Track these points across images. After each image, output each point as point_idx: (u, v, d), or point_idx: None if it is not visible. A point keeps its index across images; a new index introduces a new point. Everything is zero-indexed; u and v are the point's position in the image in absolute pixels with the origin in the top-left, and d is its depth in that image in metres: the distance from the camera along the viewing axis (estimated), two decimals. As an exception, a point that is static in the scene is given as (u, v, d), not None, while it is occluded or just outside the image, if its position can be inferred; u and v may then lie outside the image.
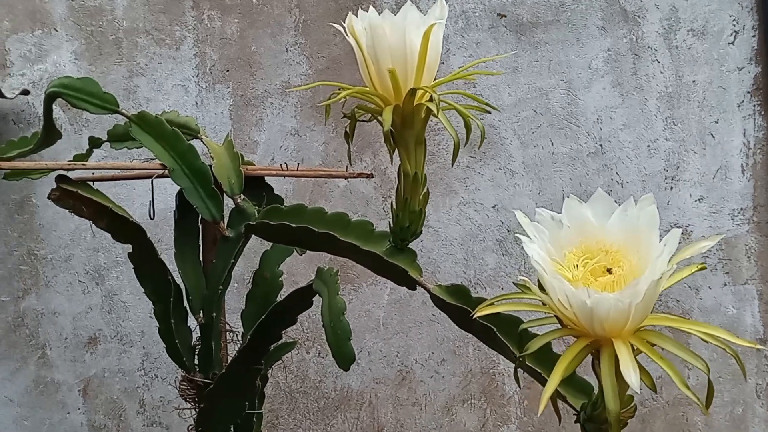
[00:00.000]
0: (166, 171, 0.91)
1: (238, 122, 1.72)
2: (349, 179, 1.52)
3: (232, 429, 0.93)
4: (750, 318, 1.71)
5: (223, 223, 0.93)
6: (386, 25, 0.70)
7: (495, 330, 0.70)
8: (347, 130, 0.77)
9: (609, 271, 0.56)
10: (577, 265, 0.56)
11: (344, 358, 0.72)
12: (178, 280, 0.97)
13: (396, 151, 0.76)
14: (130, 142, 1.08)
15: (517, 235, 0.56)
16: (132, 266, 0.97)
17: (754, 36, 1.70)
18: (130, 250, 0.95)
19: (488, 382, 1.69)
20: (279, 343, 0.96)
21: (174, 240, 0.99)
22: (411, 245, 0.82)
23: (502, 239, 1.71)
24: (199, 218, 0.98)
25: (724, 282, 1.70)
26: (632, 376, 0.51)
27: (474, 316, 0.60)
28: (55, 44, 1.71)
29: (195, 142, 1.03)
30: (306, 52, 1.72)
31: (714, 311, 1.69)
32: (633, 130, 1.71)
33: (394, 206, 0.78)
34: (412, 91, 0.72)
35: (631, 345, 0.56)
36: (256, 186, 1.05)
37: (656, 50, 1.71)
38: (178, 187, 0.96)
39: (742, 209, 1.70)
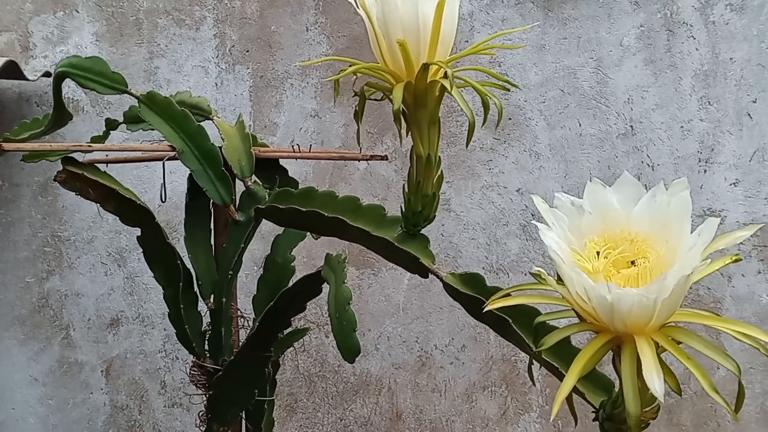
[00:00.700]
0: (176, 153, 0.89)
1: (258, 104, 1.69)
2: (370, 162, 1.49)
3: (242, 415, 0.92)
4: (786, 307, 1.64)
5: (234, 206, 0.91)
6: (398, -4, 0.66)
7: (510, 321, 0.67)
8: (356, 109, 0.73)
9: (633, 263, 0.51)
10: (598, 255, 0.52)
11: (349, 351, 0.69)
12: (189, 265, 0.95)
13: (409, 131, 0.72)
14: (145, 124, 1.06)
15: (534, 222, 0.52)
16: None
17: (797, 10, 1.61)
18: (139, 234, 0.94)
19: (509, 370, 1.65)
20: (290, 329, 0.94)
21: (184, 223, 0.97)
22: (426, 230, 0.78)
23: (526, 224, 1.66)
24: (211, 201, 0.96)
25: (758, 269, 1.63)
26: (655, 382, 0.47)
27: (486, 309, 0.56)
28: (77, 26, 1.71)
29: (208, 124, 1.00)
30: (326, 32, 1.69)
31: (747, 300, 1.63)
32: (666, 110, 1.64)
33: (406, 190, 0.75)
34: (425, 67, 0.68)
35: (656, 343, 0.51)
36: (270, 168, 1.02)
37: (692, 26, 1.63)
38: (190, 170, 0.94)
39: (780, 193, 1.63)
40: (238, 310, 0.99)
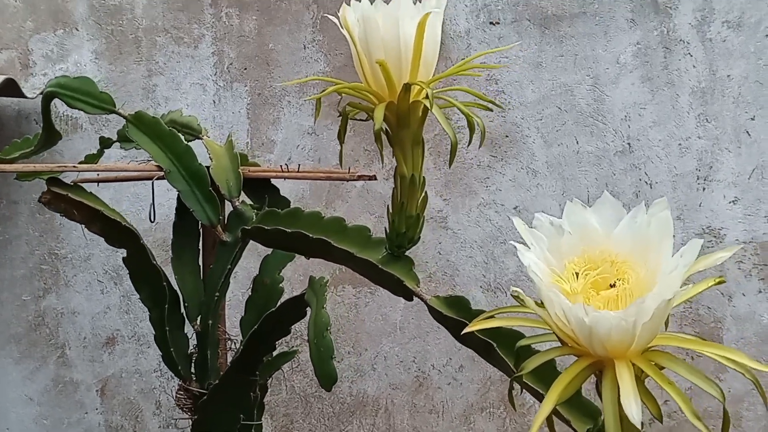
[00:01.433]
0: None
1: (256, 121, 1.70)
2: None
3: (230, 439, 0.90)
4: (788, 327, 1.61)
5: (221, 226, 0.90)
6: (379, 15, 0.66)
7: (495, 345, 0.65)
8: (339, 129, 0.72)
9: (612, 285, 0.50)
10: (577, 276, 0.51)
11: (326, 378, 0.68)
12: (176, 286, 0.94)
13: (389, 151, 0.72)
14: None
15: (512, 243, 0.51)
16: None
17: (794, 27, 1.61)
18: (125, 255, 0.94)
19: (508, 390, 1.63)
20: (278, 352, 0.93)
21: (172, 244, 0.96)
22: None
23: (524, 242, 1.65)
24: (199, 221, 0.96)
25: (759, 288, 1.61)
26: (633, 409, 0.46)
27: (465, 333, 0.55)
28: (77, 44, 1.72)
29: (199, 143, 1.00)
30: (324, 49, 1.69)
31: (748, 319, 1.60)
32: (663, 127, 1.63)
33: (390, 211, 0.74)
34: (407, 87, 0.68)
35: (638, 367, 0.50)
36: (260, 187, 1.02)
37: (689, 43, 1.63)
38: (181, 189, 0.94)
39: (780, 211, 1.61)
40: (226, 332, 0.98)
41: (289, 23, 1.69)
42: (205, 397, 0.88)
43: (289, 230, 0.76)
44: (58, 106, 1.72)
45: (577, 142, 1.64)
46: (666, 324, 0.53)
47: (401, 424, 1.66)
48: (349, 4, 0.69)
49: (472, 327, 0.55)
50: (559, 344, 0.54)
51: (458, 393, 1.65)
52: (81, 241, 1.69)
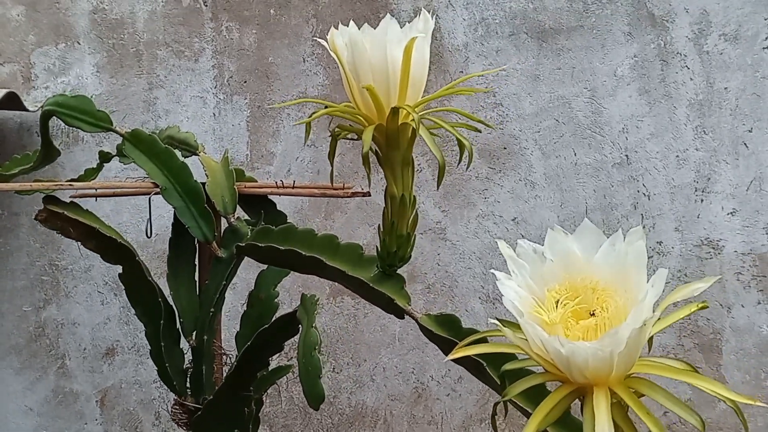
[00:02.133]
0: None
1: (255, 133, 1.71)
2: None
3: (225, 454, 0.91)
4: (787, 339, 1.61)
5: (217, 243, 0.91)
6: (366, 40, 0.67)
7: (484, 365, 0.66)
8: (330, 150, 0.73)
9: (592, 314, 0.50)
10: (557, 305, 0.52)
11: (314, 397, 0.68)
12: (171, 301, 0.95)
13: (379, 172, 0.72)
14: (137, 157, 1.07)
15: (492, 271, 0.51)
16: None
17: (791, 40, 1.61)
18: (120, 272, 0.94)
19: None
20: (273, 367, 0.93)
21: (168, 260, 0.97)
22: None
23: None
24: (195, 238, 0.96)
25: (758, 300, 1.60)
26: None
27: (447, 360, 0.56)
28: (78, 57, 1.74)
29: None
30: (323, 63, 1.71)
31: (747, 331, 1.60)
32: (661, 139, 1.64)
33: (381, 230, 0.75)
34: (395, 110, 0.69)
35: (618, 395, 0.51)
36: (256, 202, 1.03)
37: (686, 56, 1.63)
38: (179, 204, 0.95)
39: (778, 223, 1.61)
40: (221, 347, 0.99)
41: (288, 37, 1.71)
42: (200, 413, 0.88)
43: (283, 248, 0.77)
44: (58, 119, 1.74)
45: (575, 154, 1.65)
46: (650, 344, 0.53)
47: (400, 436, 1.66)
48: (347, 25, 0.70)
49: (455, 354, 0.55)
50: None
51: (457, 404, 1.65)
52: (81, 253, 1.70)
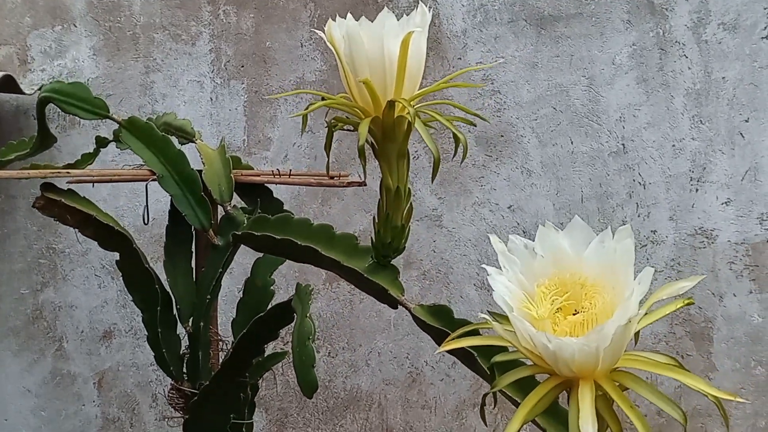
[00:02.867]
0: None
1: (252, 118, 1.71)
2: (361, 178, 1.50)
3: (221, 438, 0.92)
4: (777, 327, 1.63)
5: (213, 230, 0.92)
6: (363, 33, 0.67)
7: (476, 355, 0.67)
8: (326, 141, 0.74)
9: (575, 313, 0.51)
10: (546, 300, 0.53)
11: (307, 385, 0.70)
12: (168, 288, 0.96)
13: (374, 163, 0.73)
14: (134, 143, 1.07)
15: (483, 266, 0.52)
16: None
17: (790, 30, 1.61)
18: (118, 259, 0.95)
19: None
20: (268, 353, 0.95)
21: (164, 247, 0.98)
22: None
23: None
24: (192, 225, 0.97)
25: (750, 289, 1.62)
26: (589, 431, 0.47)
27: (438, 351, 0.57)
28: (75, 40, 1.73)
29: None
30: (321, 47, 1.70)
31: (738, 319, 1.62)
32: (657, 128, 1.64)
33: (376, 221, 0.75)
34: (391, 104, 0.69)
35: (603, 388, 0.52)
36: (253, 190, 1.03)
37: (684, 45, 1.63)
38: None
39: (771, 214, 1.62)
40: (218, 333, 1.00)
41: (286, 21, 1.70)
42: (196, 398, 0.90)
43: (278, 237, 0.78)
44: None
45: (572, 143, 1.65)
46: (636, 339, 0.54)
47: (394, 419, 1.68)
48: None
49: (446, 347, 0.56)
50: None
51: (451, 389, 1.67)
52: (78, 236, 1.70)
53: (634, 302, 0.50)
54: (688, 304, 0.58)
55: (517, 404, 0.65)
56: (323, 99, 0.72)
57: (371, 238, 0.79)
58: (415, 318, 0.77)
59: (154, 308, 0.94)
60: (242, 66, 1.71)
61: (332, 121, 0.73)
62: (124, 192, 1.69)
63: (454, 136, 0.73)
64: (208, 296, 0.92)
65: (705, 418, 1.63)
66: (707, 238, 1.63)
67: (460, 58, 1.69)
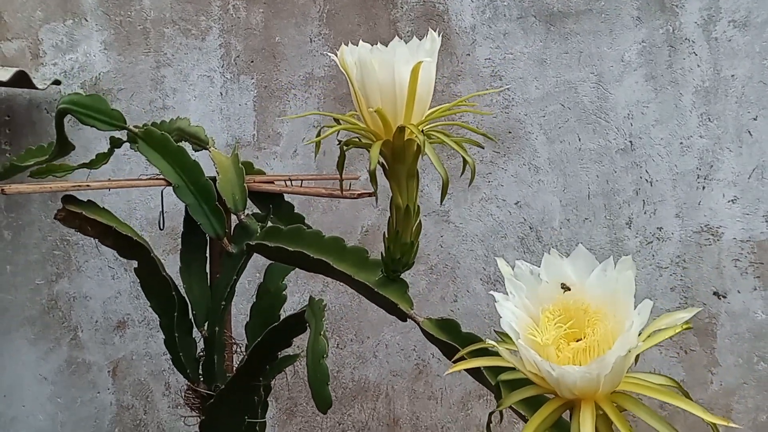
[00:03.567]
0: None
1: (262, 113, 1.72)
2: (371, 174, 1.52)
3: (235, 436, 0.96)
4: (780, 324, 1.65)
5: (228, 238, 0.94)
6: (375, 60, 0.69)
7: (482, 368, 0.70)
8: (338, 161, 0.76)
9: (578, 340, 0.54)
10: (550, 325, 0.55)
11: (321, 401, 0.73)
12: (184, 293, 0.99)
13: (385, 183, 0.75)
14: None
15: (491, 293, 0.55)
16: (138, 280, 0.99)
17: (800, 28, 1.60)
18: (136, 266, 0.98)
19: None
20: (281, 355, 0.98)
21: (180, 254, 1.00)
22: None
23: (524, 236, 1.68)
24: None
25: (754, 286, 1.64)
26: None
27: (448, 373, 0.59)
28: (86, 34, 1.74)
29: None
30: (330, 43, 1.71)
31: (742, 316, 1.64)
32: (665, 126, 1.65)
33: (386, 237, 0.77)
34: (401, 128, 0.71)
35: (603, 409, 0.54)
36: (265, 195, 1.05)
37: (694, 42, 1.63)
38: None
39: (777, 212, 1.63)
40: (232, 337, 1.03)
41: (295, 16, 1.71)
42: (212, 401, 0.93)
43: (291, 249, 0.80)
44: (68, 92, 1.76)
45: (580, 140, 1.66)
46: (636, 361, 0.57)
47: (401, 409, 1.72)
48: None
49: (454, 368, 0.59)
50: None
51: (456, 381, 1.71)
52: (92, 228, 1.74)
53: (634, 334, 0.53)
54: (686, 329, 0.61)
55: (521, 416, 0.68)
56: (336, 121, 0.74)
57: (381, 253, 0.81)
58: (423, 331, 0.79)
59: (171, 314, 0.97)
60: (252, 61, 1.72)
61: (343, 145, 0.75)
62: (151, 196, 1.71)
63: (464, 159, 0.74)
64: (223, 303, 0.95)
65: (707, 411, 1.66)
66: (713, 235, 1.65)
67: (469, 54, 1.69)
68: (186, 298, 1.00)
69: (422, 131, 0.71)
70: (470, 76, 1.68)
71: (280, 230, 0.86)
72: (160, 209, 1.01)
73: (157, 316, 1.00)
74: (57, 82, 1.70)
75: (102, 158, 1.22)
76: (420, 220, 0.79)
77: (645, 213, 1.66)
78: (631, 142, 1.66)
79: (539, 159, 1.67)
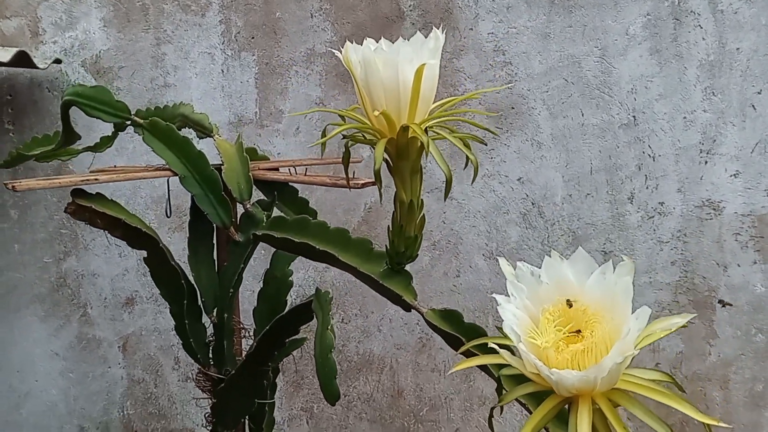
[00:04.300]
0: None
1: (264, 90, 1.72)
2: (373, 153, 1.52)
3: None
4: (779, 297, 1.67)
5: (234, 227, 0.95)
6: (379, 60, 0.69)
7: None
8: (343, 160, 0.77)
9: (580, 333, 0.55)
10: (550, 326, 0.57)
11: (329, 394, 0.75)
12: (193, 280, 1.01)
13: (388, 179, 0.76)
14: (151, 128, 1.10)
15: (494, 296, 0.56)
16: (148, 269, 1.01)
17: (808, 0, 1.58)
18: (145, 255, 0.99)
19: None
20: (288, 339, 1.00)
21: (188, 242, 1.02)
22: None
23: (526, 212, 1.69)
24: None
25: (754, 260, 1.66)
26: None
27: (450, 372, 0.61)
28: (85, 11, 1.72)
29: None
30: (331, 18, 1.69)
31: (741, 289, 1.66)
32: (669, 100, 1.64)
33: (390, 231, 0.79)
34: (405, 127, 0.71)
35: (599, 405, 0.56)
36: (269, 180, 1.06)
37: (699, 15, 1.61)
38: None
39: (779, 186, 1.64)
40: (240, 322, 1.05)
41: (296, -9, 1.68)
42: (223, 386, 0.96)
43: (297, 240, 0.82)
44: (69, 75, 1.75)
45: (583, 115, 1.66)
46: (631, 362, 0.59)
47: (405, 381, 1.76)
48: None
49: (457, 368, 0.61)
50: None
51: (459, 354, 1.74)
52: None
53: (631, 340, 0.55)
54: (683, 327, 0.62)
55: (523, 405, 0.71)
56: (341, 118, 0.75)
57: (386, 246, 0.82)
58: (427, 322, 0.81)
59: (181, 301, 0.99)
60: (252, 37, 1.71)
61: (348, 143, 0.76)
62: (159, 183, 1.71)
63: (467, 157, 0.75)
64: (231, 290, 0.97)
65: (704, 382, 1.70)
66: (714, 209, 1.66)
67: (472, 29, 1.68)
68: (195, 285, 1.02)
69: (426, 131, 0.71)
70: (473, 51, 1.67)
71: (285, 221, 0.87)
72: (167, 198, 1.02)
73: (168, 304, 1.02)
74: (58, 61, 1.69)
75: (106, 141, 1.23)
76: (423, 214, 0.80)
77: (647, 188, 1.66)
78: (634, 116, 1.65)
79: (542, 134, 1.67)
